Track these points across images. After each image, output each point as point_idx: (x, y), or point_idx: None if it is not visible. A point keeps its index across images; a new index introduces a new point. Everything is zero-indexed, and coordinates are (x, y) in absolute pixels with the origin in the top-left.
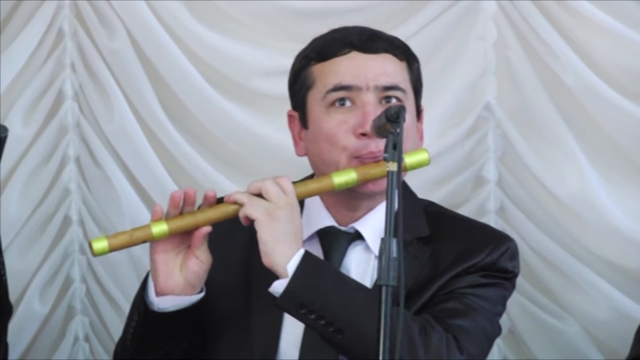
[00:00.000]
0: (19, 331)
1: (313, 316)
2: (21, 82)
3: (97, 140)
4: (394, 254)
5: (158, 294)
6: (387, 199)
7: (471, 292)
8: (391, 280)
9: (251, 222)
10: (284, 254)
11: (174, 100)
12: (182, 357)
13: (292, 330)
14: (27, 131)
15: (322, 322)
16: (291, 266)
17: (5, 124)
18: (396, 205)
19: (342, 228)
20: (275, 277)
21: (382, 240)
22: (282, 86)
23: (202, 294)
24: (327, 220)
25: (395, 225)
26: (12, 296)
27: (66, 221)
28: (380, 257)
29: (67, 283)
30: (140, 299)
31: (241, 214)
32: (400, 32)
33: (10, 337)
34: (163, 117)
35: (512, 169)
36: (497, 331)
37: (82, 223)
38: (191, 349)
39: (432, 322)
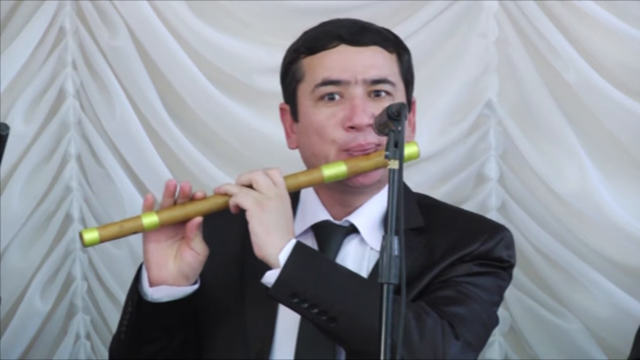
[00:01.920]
0: (20, 329)
1: (306, 305)
2: (22, 80)
3: (98, 138)
4: (396, 251)
5: (151, 284)
6: (389, 197)
7: (467, 281)
8: (392, 278)
9: (241, 211)
10: (275, 244)
11: (176, 98)
12: (177, 352)
13: (287, 323)
14: (29, 129)
15: (315, 310)
16: (283, 256)
17: (7, 121)
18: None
19: (337, 222)
20: (268, 269)
21: (384, 238)
22: None
23: (196, 286)
24: (322, 215)
25: (396, 223)
26: (14, 294)
27: (67, 219)
28: (381, 255)
29: (69, 281)
30: (134, 290)
31: (232, 202)
32: (402, 29)
33: (12, 336)
34: (164, 115)
35: (514, 166)
36: (495, 321)
37: (83, 221)
38: (186, 344)
39: (426, 309)
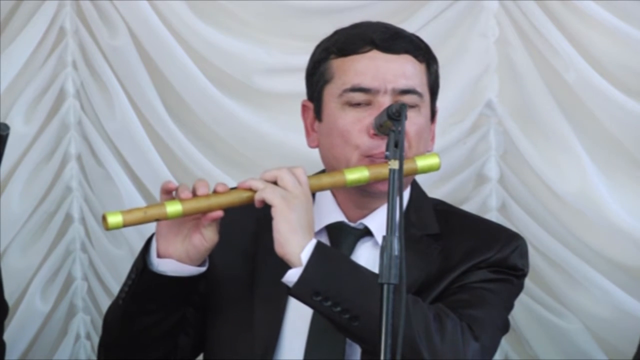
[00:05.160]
0: (20, 329)
1: (329, 303)
2: (23, 80)
3: (98, 138)
4: (396, 251)
5: (159, 256)
6: (388, 197)
7: (482, 287)
8: (392, 278)
9: (264, 205)
10: (298, 243)
11: (176, 98)
12: (170, 332)
13: (295, 324)
14: (29, 129)
15: (338, 309)
16: (305, 255)
17: (7, 122)
18: (405, 203)
19: (351, 224)
20: (280, 267)
21: (384, 238)
22: (283, 84)
23: (203, 268)
24: (337, 216)
25: (398, 223)
26: (14, 294)
27: (67, 219)
28: (381, 255)
29: (69, 281)
30: (141, 258)
31: (258, 197)
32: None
33: (12, 336)
34: (164, 115)
35: (514, 166)
36: (506, 327)
37: (83, 221)
38: (180, 326)
39: (446, 311)
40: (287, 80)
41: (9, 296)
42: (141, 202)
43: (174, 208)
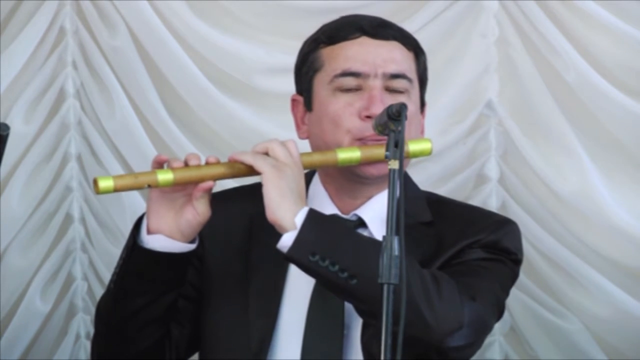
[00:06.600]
0: (20, 329)
1: (326, 263)
2: (23, 80)
3: (98, 138)
4: (396, 251)
5: (149, 232)
6: (389, 196)
7: (476, 264)
8: (392, 278)
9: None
10: (289, 208)
11: (176, 98)
12: (163, 317)
13: (291, 319)
14: (29, 129)
15: (336, 267)
16: (299, 218)
17: (7, 121)
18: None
19: (345, 216)
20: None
21: (384, 238)
22: (283, 83)
23: (193, 246)
24: (330, 209)
25: (397, 222)
26: (14, 294)
27: (67, 219)
28: (381, 255)
29: (69, 281)
30: (131, 237)
31: (247, 163)
32: None
33: (12, 336)
34: (164, 115)
35: (514, 166)
36: (502, 308)
37: (83, 221)
38: (173, 311)
39: (441, 273)
40: (287, 80)
41: (9, 296)
42: (141, 202)
43: (165, 176)
